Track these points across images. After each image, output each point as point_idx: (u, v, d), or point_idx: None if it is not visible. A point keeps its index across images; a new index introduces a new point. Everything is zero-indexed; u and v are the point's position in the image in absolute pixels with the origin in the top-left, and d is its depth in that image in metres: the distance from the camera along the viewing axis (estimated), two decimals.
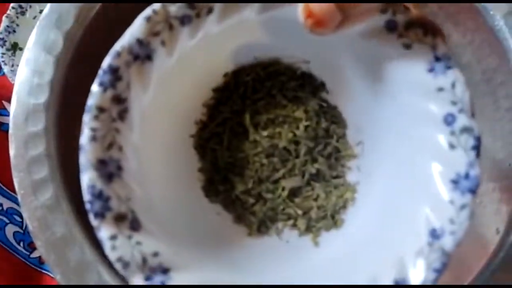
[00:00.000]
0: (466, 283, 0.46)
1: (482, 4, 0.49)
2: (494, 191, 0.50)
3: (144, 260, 0.29)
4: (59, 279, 0.41)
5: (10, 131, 0.44)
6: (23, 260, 0.66)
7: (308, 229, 0.39)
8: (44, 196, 0.42)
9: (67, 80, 0.45)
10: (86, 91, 0.49)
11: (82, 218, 0.42)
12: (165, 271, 0.29)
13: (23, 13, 0.70)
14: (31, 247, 0.67)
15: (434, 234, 0.29)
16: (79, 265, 0.41)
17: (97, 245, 0.42)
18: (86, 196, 0.29)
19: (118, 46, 0.29)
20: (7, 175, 0.66)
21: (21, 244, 0.66)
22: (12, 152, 0.43)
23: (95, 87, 0.30)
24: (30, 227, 0.42)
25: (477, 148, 0.29)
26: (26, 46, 0.46)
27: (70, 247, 0.41)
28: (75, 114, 0.48)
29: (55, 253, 0.41)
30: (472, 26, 0.51)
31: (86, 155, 0.29)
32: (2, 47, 0.69)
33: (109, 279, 0.40)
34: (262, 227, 0.40)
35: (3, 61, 0.69)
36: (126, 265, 0.29)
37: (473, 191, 0.29)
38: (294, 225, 0.40)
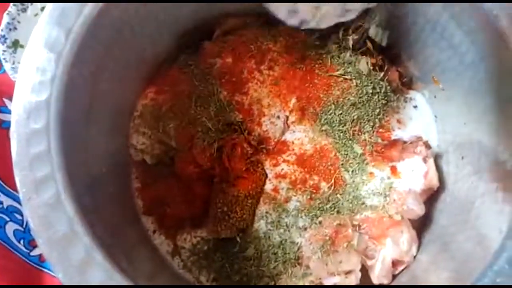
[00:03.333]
0: (468, 283, 0.46)
1: (486, 4, 0.48)
2: (497, 191, 0.50)
3: None
4: (61, 277, 0.40)
5: (12, 129, 0.44)
6: (23, 258, 0.66)
7: None
8: (46, 193, 0.42)
9: (69, 77, 0.45)
10: (89, 88, 0.50)
11: (84, 215, 0.42)
12: None
13: (24, 10, 0.70)
14: (31, 245, 0.66)
15: None
16: (82, 263, 0.40)
17: (99, 242, 0.42)
18: None
19: None
20: (8, 172, 0.66)
21: (21, 242, 0.66)
22: (14, 149, 0.43)
23: None
24: (31, 225, 0.42)
25: None
26: (28, 43, 0.46)
27: (72, 245, 0.41)
28: (78, 111, 0.48)
29: (57, 251, 0.41)
30: (476, 26, 0.51)
31: None
32: (3, 44, 0.68)
33: (114, 275, 0.40)
34: None
35: (4, 59, 0.68)
36: None
37: None
38: None
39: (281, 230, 0.58)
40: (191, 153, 0.60)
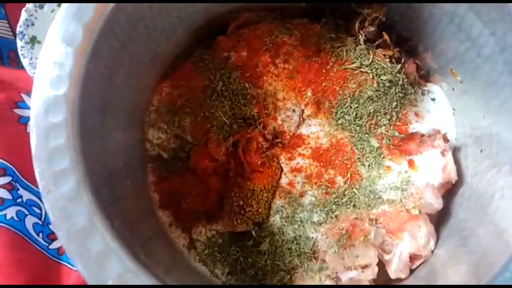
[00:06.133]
0: (486, 278, 0.45)
1: None
2: None
3: None
4: (80, 269, 0.41)
5: (31, 123, 0.44)
6: (42, 251, 0.67)
7: None
8: (65, 186, 0.42)
9: (87, 71, 0.46)
10: (106, 82, 0.50)
11: (102, 208, 0.42)
12: None
13: (41, 7, 0.70)
14: (50, 238, 0.67)
15: None
16: (100, 255, 0.41)
17: (118, 235, 0.42)
18: None
19: None
20: (27, 167, 0.67)
21: (40, 235, 0.67)
22: (33, 143, 0.43)
23: None
24: (51, 218, 0.42)
25: None
26: (46, 38, 0.46)
27: (91, 237, 0.41)
28: (95, 105, 0.48)
29: (76, 243, 0.41)
30: (496, 17, 0.50)
31: None
32: (21, 40, 0.69)
33: (132, 267, 0.40)
34: None
35: (22, 54, 0.69)
36: None
37: None
38: None
39: (295, 226, 0.58)
40: (207, 147, 0.60)
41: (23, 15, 0.69)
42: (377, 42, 0.62)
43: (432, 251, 0.57)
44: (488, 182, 0.55)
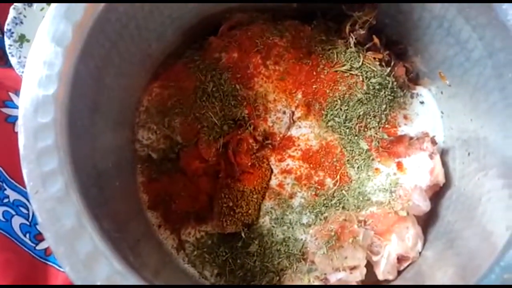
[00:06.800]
0: (473, 280, 0.46)
1: None
2: (503, 188, 0.50)
3: None
4: (68, 271, 0.41)
5: (20, 123, 0.43)
6: (29, 252, 0.66)
7: None
8: (53, 187, 0.42)
9: (76, 71, 0.45)
10: (96, 82, 0.50)
11: (91, 209, 0.42)
12: None
13: (30, 5, 0.70)
14: (37, 239, 0.67)
15: None
16: (89, 257, 0.40)
17: (106, 236, 0.42)
18: None
19: None
20: (14, 167, 0.67)
21: (27, 235, 0.66)
22: (21, 143, 0.43)
23: None
24: (39, 219, 0.42)
25: None
26: (35, 37, 0.46)
27: (79, 239, 0.41)
28: (85, 105, 0.48)
29: (64, 245, 0.41)
30: (484, 21, 0.51)
31: None
32: (9, 38, 0.68)
33: (120, 269, 0.40)
34: None
35: (10, 53, 0.68)
36: None
37: None
38: None
39: (284, 227, 0.58)
40: (197, 148, 0.60)
41: (12, 13, 0.69)
42: (367, 45, 0.63)
43: (420, 253, 0.58)
44: (476, 185, 0.56)
